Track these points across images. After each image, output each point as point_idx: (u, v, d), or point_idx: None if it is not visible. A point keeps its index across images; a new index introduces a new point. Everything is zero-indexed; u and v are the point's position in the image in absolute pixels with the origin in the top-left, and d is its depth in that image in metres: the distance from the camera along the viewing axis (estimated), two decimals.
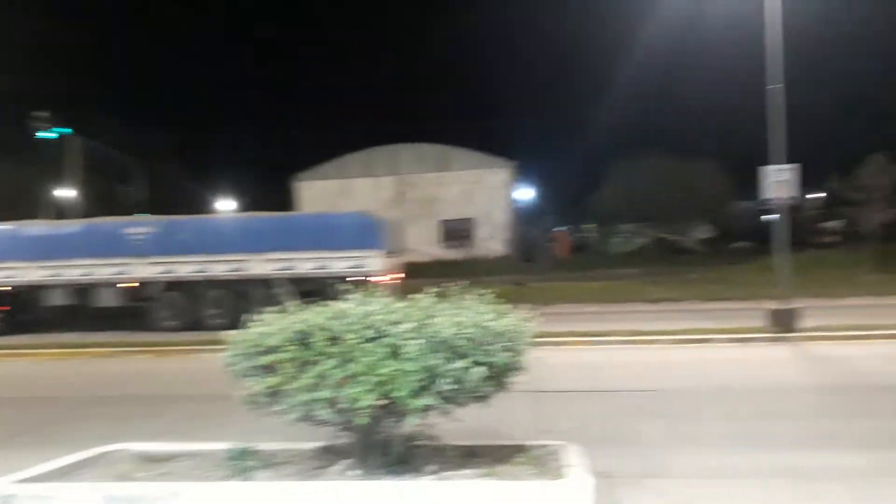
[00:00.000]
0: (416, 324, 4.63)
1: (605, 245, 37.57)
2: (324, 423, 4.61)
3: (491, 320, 4.79)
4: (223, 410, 7.66)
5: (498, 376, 4.75)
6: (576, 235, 40.69)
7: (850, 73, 40.56)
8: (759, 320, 12.82)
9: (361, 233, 16.37)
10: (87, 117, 32.55)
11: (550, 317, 10.29)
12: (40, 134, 26.32)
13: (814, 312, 13.01)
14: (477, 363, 4.53)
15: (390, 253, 16.85)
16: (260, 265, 16.46)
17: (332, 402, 4.48)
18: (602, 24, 64.98)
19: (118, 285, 16.76)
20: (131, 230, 16.88)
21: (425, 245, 35.16)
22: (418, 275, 27.19)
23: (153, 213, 28.30)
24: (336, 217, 17.87)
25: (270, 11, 78.91)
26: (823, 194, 37.82)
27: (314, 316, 4.83)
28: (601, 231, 38.78)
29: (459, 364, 4.45)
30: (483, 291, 5.20)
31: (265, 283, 16.11)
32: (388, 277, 16.18)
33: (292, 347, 4.57)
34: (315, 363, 4.50)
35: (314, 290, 15.67)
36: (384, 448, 4.67)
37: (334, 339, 4.58)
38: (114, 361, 13.07)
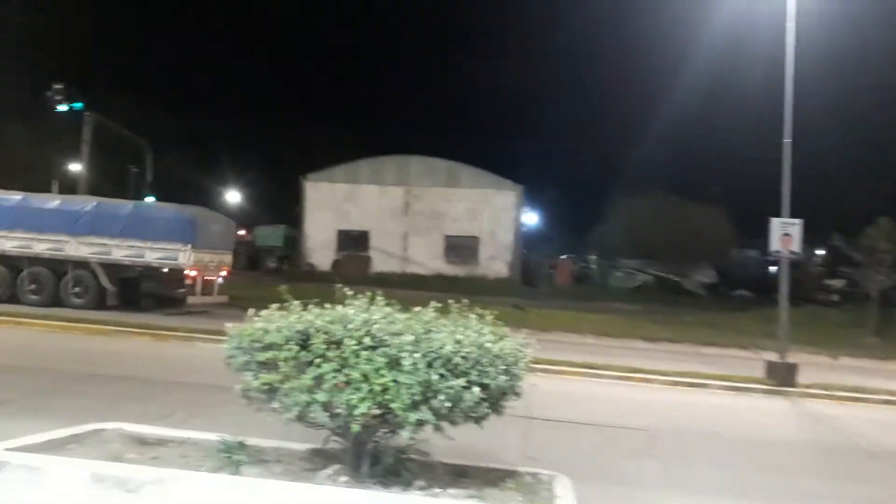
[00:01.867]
0: (416, 337, 4.63)
1: (606, 278, 37.55)
2: (318, 425, 4.60)
3: (490, 342, 4.80)
4: (218, 401, 7.63)
5: (494, 399, 4.75)
6: (578, 265, 40.68)
7: (863, 130, 40.71)
8: (755, 370, 12.79)
9: (175, 226, 16.89)
10: (102, 95, 32.78)
11: (547, 344, 10.24)
12: (59, 108, 26.42)
13: (811, 368, 12.96)
14: (474, 383, 4.53)
15: (206, 248, 17.42)
16: (77, 247, 16.77)
17: (327, 406, 4.48)
18: (618, 63, 65.50)
19: None
20: None
21: (429, 258, 35.20)
22: (419, 287, 27.25)
23: (159, 197, 28.39)
24: (152, 209, 18.53)
25: (299, 9, 79.60)
26: (826, 252, 37.88)
27: (315, 317, 4.84)
28: (603, 264, 38.79)
29: (456, 382, 4.44)
30: (483, 312, 5.20)
31: (84, 265, 16.65)
32: (197, 272, 17.02)
33: (292, 347, 4.57)
34: (313, 365, 4.50)
35: (132, 277, 16.81)
36: (375, 458, 4.66)
37: (334, 343, 4.59)
38: (111, 340, 13.05)
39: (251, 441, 4.90)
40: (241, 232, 57.10)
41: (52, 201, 17.85)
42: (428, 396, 4.39)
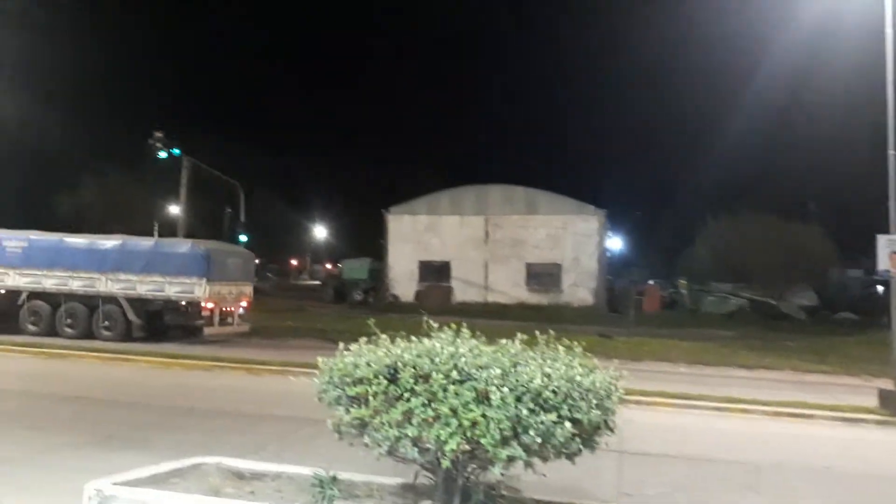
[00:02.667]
0: (503, 370, 4.58)
1: (698, 303, 36.12)
2: (408, 460, 4.60)
3: (581, 374, 4.68)
4: (310, 434, 7.83)
5: (586, 434, 4.61)
6: (666, 291, 39.37)
7: None
8: (867, 399, 11.92)
9: (190, 261, 17.78)
10: (199, 140, 34.73)
11: (638, 374, 9.90)
12: (159, 155, 28.12)
13: None
14: (565, 418, 4.42)
15: (222, 281, 18.28)
16: (106, 284, 17.97)
17: (417, 441, 4.47)
18: (701, 79, 63.81)
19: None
20: (9, 243, 18.78)
21: (510, 287, 34.98)
22: (502, 316, 27.13)
23: (250, 234, 29.65)
24: (170, 245, 19.25)
25: (382, 51, 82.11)
26: None
27: (403, 351, 4.87)
28: (693, 288, 37.37)
29: (547, 417, 4.35)
30: (571, 342, 5.09)
31: (112, 300, 17.83)
32: (213, 303, 17.89)
33: (381, 381, 4.60)
34: (402, 399, 4.52)
35: (155, 310, 17.83)
36: (465, 494, 4.61)
37: (422, 377, 4.60)
38: (208, 374, 13.61)
39: (343, 475, 4.95)
40: (328, 266, 59.17)
41: (84, 241, 19.11)
42: (518, 432, 4.32)
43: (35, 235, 19.35)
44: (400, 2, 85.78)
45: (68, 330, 17.97)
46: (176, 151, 28.87)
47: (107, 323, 17.86)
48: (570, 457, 4.66)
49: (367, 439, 4.58)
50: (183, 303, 17.78)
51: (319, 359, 5.00)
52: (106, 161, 41.90)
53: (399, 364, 4.68)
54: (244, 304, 19.40)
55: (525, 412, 4.32)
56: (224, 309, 18.41)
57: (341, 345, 5.02)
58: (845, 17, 13.82)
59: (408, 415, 4.45)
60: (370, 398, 4.58)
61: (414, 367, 4.62)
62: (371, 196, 45.30)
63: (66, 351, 15.46)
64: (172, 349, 16.20)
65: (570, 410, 4.44)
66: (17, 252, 18.63)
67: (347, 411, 4.67)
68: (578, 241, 35.28)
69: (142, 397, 10.86)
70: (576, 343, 5.09)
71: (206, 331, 17.99)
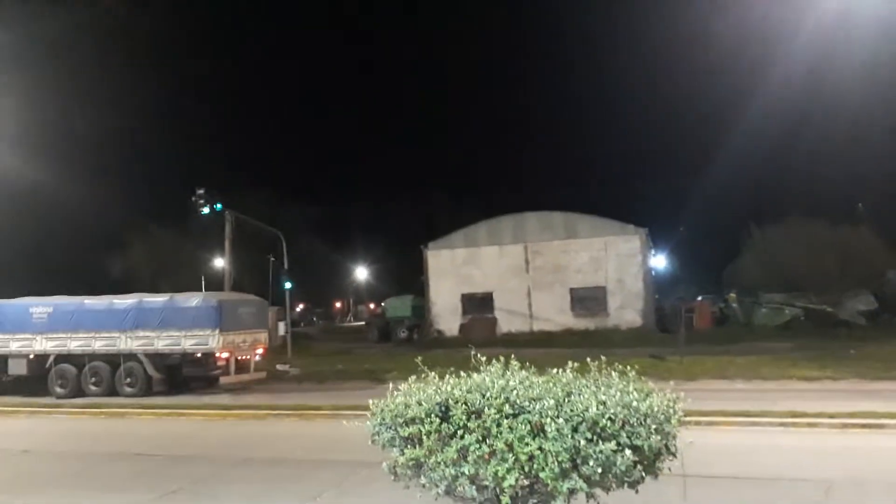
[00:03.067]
0: (556, 400, 4.51)
1: (750, 316, 35.11)
2: (466, 499, 4.54)
3: (637, 399, 4.58)
4: (365, 478, 7.81)
5: (648, 461, 4.50)
6: (717, 306, 38.41)
7: None
8: None
9: (203, 314, 18.38)
10: (238, 194, 35.63)
11: (695, 393, 9.61)
12: (203, 211, 28.88)
13: None
14: (624, 446, 4.32)
15: (235, 330, 18.78)
16: (126, 342, 18.67)
17: (474, 479, 4.42)
18: (741, 83, 62.96)
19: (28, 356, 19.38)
20: (35, 310, 19.65)
21: (555, 313, 34.59)
22: (549, 344, 26.79)
23: (294, 280, 30.06)
24: (183, 299, 19.47)
25: (409, 96, 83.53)
26: None
27: (453, 387, 4.84)
28: (744, 301, 36.37)
29: (606, 446, 4.26)
30: (623, 367, 5.00)
31: (132, 357, 18.42)
32: (228, 353, 18.35)
33: (433, 419, 4.58)
34: (456, 437, 4.48)
35: (174, 364, 18.35)
36: None
37: (474, 413, 4.56)
38: (262, 423, 13.71)
39: None
40: (372, 306, 59.59)
41: (104, 302, 19.78)
42: (577, 463, 4.24)
43: (59, 300, 20.17)
44: (425, 40, 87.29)
45: (93, 388, 18.57)
46: (218, 206, 29.58)
47: (129, 380, 18.38)
48: (633, 485, 4.55)
49: (423, 479, 4.55)
50: (199, 354, 18.22)
51: (370, 401, 5.01)
52: (153, 220, 43.33)
53: (450, 401, 4.65)
54: (260, 350, 19.87)
55: (583, 442, 4.24)
56: (239, 358, 18.84)
57: (390, 385, 5.03)
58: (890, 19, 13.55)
59: (463, 452, 4.41)
60: (423, 437, 4.56)
61: (465, 404, 4.59)
62: (409, 234, 45.70)
63: (124, 409, 15.79)
64: (224, 401, 16.41)
65: (629, 437, 4.34)
66: (43, 318, 19.48)
67: (402, 452, 4.65)
68: (621, 262, 34.78)
69: (201, 450, 11.00)
70: (629, 367, 5.00)
71: (223, 380, 18.33)
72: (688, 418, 5.15)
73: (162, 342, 18.50)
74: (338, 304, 74.67)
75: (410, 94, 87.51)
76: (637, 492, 4.59)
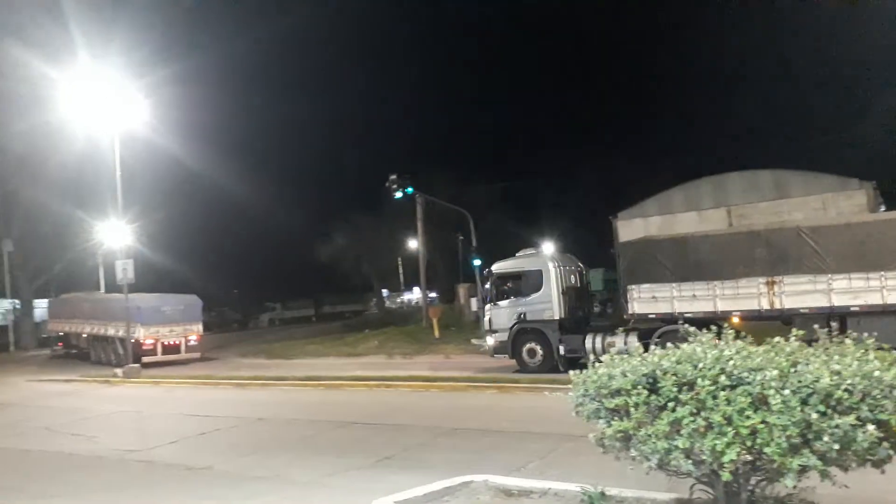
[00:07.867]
0: (780, 371, 4.10)
1: None
2: (681, 474, 4.31)
3: (879, 369, 4.02)
4: (570, 450, 7.78)
5: (895, 437, 3.95)
6: None
7: None
8: None
9: (133, 312, 24.02)
10: (424, 176, 37.05)
11: None
12: (396, 196, 30.46)
13: None
14: (866, 420, 3.82)
15: (157, 324, 25.89)
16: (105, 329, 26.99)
17: (689, 453, 4.18)
18: None
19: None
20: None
21: None
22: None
23: (482, 256, 30.70)
24: (117, 300, 25.13)
25: (589, 66, 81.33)
26: None
27: (660, 358, 4.59)
28: None
29: (843, 421, 3.80)
30: (859, 335, 4.42)
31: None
32: (154, 340, 25.60)
33: (641, 391, 4.39)
34: (667, 409, 4.25)
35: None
36: None
37: (685, 385, 4.30)
38: (462, 395, 14.22)
39: (611, 491, 4.80)
40: None
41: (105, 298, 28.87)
42: (808, 438, 3.83)
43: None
44: (606, 11, 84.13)
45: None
46: (409, 190, 31.01)
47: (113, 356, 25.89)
48: (878, 464, 4.03)
49: (633, 452, 4.39)
50: (132, 340, 24.28)
51: (571, 373, 4.92)
52: (354, 208, 46.63)
53: (658, 372, 4.43)
54: (194, 337, 26.63)
55: (815, 416, 3.82)
56: (165, 343, 25.69)
57: (591, 357, 4.90)
58: None
59: (675, 425, 4.18)
60: (631, 409, 4.39)
61: (675, 375, 4.34)
62: (596, 204, 44.56)
63: (339, 382, 17.17)
64: (427, 373, 17.24)
65: (871, 411, 3.84)
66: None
67: (609, 424, 4.52)
68: None
69: (409, 419, 11.63)
70: (866, 334, 4.42)
71: (145, 359, 24.32)
72: None
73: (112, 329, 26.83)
74: None
75: (592, 60, 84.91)
76: (883, 471, 4.06)
